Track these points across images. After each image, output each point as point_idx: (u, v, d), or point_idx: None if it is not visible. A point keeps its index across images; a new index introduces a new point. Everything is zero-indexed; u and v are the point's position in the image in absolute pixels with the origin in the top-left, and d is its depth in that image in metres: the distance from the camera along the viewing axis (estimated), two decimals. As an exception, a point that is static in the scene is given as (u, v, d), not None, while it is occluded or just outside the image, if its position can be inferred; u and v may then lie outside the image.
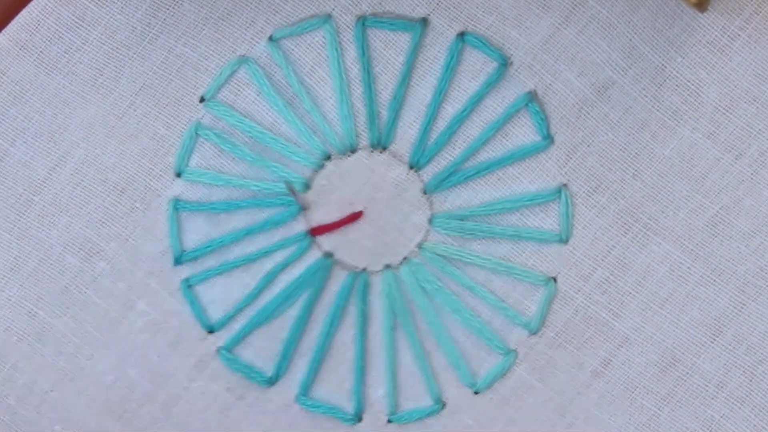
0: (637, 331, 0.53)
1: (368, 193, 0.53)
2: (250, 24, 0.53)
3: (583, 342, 0.53)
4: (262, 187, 0.53)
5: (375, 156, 0.53)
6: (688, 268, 0.53)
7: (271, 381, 0.54)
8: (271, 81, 0.53)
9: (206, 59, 0.53)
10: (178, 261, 0.53)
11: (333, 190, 0.53)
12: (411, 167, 0.53)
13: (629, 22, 0.52)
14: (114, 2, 0.52)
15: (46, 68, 0.53)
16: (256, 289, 0.53)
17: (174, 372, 0.54)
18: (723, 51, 0.52)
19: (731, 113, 0.52)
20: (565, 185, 0.53)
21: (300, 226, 0.53)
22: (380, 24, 0.53)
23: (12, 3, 0.53)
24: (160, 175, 0.53)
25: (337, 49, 0.53)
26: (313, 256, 0.54)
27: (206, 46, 0.53)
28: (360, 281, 0.53)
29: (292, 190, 0.50)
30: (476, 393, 0.54)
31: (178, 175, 0.53)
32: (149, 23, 0.53)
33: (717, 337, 0.53)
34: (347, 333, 0.54)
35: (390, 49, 0.53)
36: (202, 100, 0.53)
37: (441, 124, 0.53)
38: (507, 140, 0.53)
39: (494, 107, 0.53)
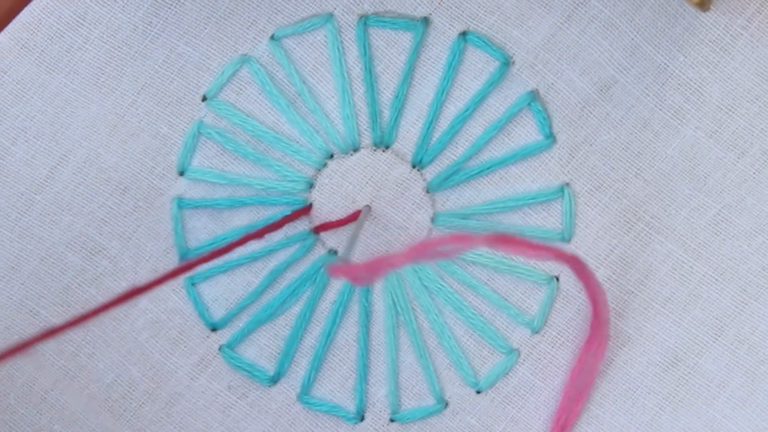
0: (639, 330, 0.53)
1: (371, 192, 0.53)
2: (251, 23, 0.53)
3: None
4: (266, 186, 0.53)
5: (378, 155, 0.53)
6: (690, 267, 0.53)
7: (273, 380, 0.54)
8: (273, 80, 0.53)
9: (208, 58, 0.53)
10: (183, 259, 0.53)
11: (336, 188, 0.53)
12: (413, 166, 0.53)
13: (631, 21, 0.52)
14: (116, 1, 0.52)
15: (48, 67, 0.53)
16: (260, 286, 0.53)
17: (176, 370, 0.54)
18: (725, 50, 0.52)
19: (733, 112, 0.53)
20: (567, 184, 0.53)
21: (304, 224, 0.53)
22: (382, 23, 0.53)
23: (13, 2, 0.53)
24: (163, 173, 0.53)
25: (339, 49, 0.53)
26: (317, 253, 0.54)
27: (208, 45, 0.53)
28: (362, 280, 0.53)
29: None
30: (478, 392, 0.54)
31: (181, 173, 0.53)
32: (151, 22, 0.53)
33: (719, 336, 0.53)
34: (350, 331, 0.54)
35: (392, 49, 0.53)
36: (204, 99, 0.53)
37: (443, 123, 0.53)
38: (509, 139, 0.53)
39: (496, 106, 0.53)
